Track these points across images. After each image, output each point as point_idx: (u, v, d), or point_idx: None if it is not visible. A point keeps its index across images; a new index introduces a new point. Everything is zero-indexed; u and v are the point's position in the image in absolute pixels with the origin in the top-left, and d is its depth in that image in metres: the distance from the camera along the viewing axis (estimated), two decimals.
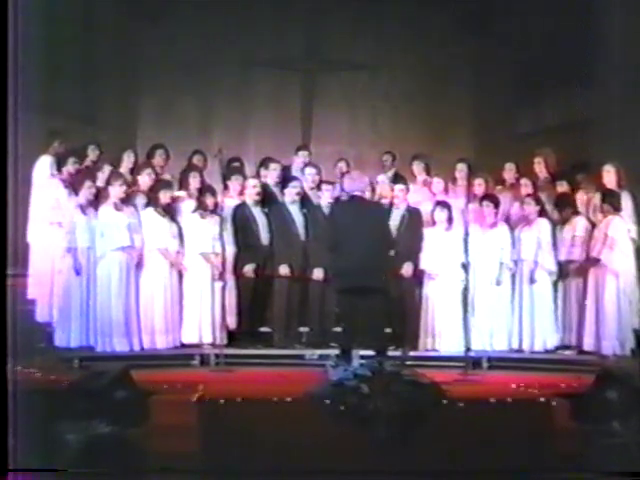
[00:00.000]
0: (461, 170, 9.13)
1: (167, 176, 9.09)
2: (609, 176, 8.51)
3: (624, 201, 8.41)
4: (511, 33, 11.06)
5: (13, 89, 6.77)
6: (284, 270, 8.69)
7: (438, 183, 9.18)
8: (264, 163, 9.27)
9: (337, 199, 8.72)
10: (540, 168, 9.17)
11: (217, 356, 8.28)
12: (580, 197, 8.68)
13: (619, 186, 8.47)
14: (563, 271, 8.58)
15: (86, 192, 8.39)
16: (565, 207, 8.59)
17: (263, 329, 8.80)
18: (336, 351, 7.75)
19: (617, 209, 8.34)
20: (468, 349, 8.07)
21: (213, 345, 8.44)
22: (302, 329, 8.79)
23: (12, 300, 7.41)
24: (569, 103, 10.59)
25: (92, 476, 5.87)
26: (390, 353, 7.76)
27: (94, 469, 5.86)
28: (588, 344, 8.34)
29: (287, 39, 11.52)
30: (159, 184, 8.68)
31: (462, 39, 11.40)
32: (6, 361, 5.85)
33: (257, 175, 9.22)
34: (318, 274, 8.70)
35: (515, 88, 11.15)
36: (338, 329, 8.02)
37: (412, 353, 8.11)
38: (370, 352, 7.53)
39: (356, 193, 8.00)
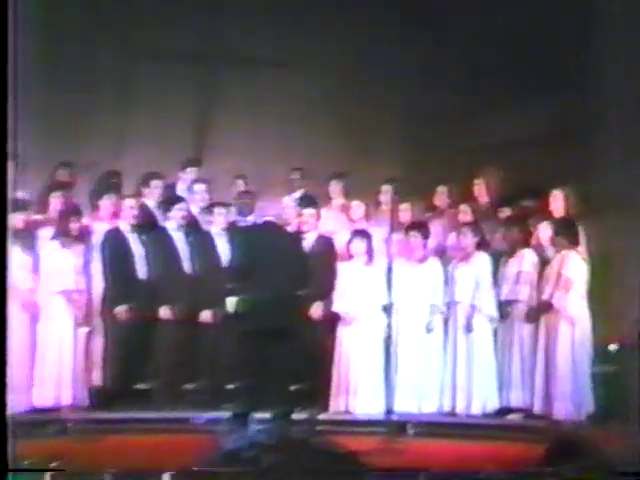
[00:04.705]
0: (386, 192, 9.08)
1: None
2: (557, 202, 8.54)
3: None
4: (455, 32, 10.96)
5: None
6: (165, 312, 8.50)
7: (358, 208, 9.09)
8: (145, 179, 9.10)
9: (250, 225, 8.77)
10: (480, 192, 9.13)
11: (78, 422, 7.90)
12: (527, 226, 8.64)
13: (568, 214, 8.49)
14: (506, 314, 8.53)
15: None
16: (512, 236, 8.52)
17: (139, 386, 8.61)
18: (230, 413, 7.60)
19: (573, 242, 8.28)
20: (390, 411, 7.97)
21: (73, 408, 8.25)
22: (188, 386, 8.62)
23: None
24: (517, 115, 10.52)
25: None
26: (296, 416, 7.71)
27: None
28: (537, 406, 8.25)
29: (178, 29, 11.11)
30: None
31: (395, 38, 11.16)
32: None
33: (136, 194, 9.02)
34: (206, 316, 8.54)
35: (455, 97, 10.95)
36: (234, 385, 7.98)
37: (322, 416, 8.10)
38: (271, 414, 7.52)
39: (268, 219, 8.11)
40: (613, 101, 9.45)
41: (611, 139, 9.40)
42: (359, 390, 8.46)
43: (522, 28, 10.28)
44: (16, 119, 7.26)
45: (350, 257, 8.67)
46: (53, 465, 6.38)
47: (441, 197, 9.16)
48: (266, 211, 8.30)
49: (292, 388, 8.11)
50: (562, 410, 8.08)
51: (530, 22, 10.19)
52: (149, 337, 8.54)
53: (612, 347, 8.46)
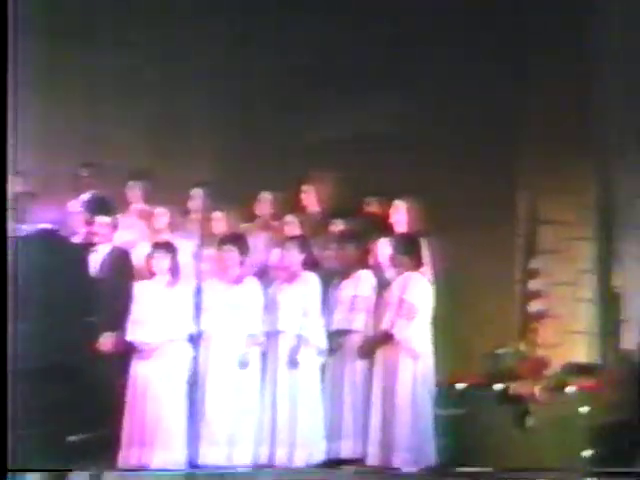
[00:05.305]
0: (196, 198, 8.78)
1: None
2: (398, 215, 8.39)
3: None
4: (286, 32, 10.39)
5: None
6: None
7: (161, 215, 8.72)
8: None
9: (26, 234, 8.27)
10: (309, 200, 8.96)
11: None
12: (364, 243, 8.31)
13: (410, 229, 8.33)
14: (337, 347, 8.15)
15: None
16: (346, 254, 8.19)
17: None
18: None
19: (417, 262, 7.96)
20: (195, 464, 7.72)
21: None
22: None
23: None
24: (356, 113, 10.16)
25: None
26: (76, 474, 7.33)
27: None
28: (371, 457, 7.84)
29: None
30: None
31: (219, 30, 10.54)
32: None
33: None
34: None
35: (283, 90, 10.51)
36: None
37: (109, 473, 7.57)
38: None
39: (49, 227, 8.07)
40: (466, 102, 9.25)
41: (466, 144, 9.15)
42: (156, 439, 7.89)
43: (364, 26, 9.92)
44: None
45: (151, 275, 8.16)
46: None
47: (263, 205, 8.91)
48: (47, 217, 8.03)
49: (70, 439, 7.66)
50: (400, 460, 7.70)
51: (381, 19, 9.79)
52: None
53: (459, 386, 8.25)
